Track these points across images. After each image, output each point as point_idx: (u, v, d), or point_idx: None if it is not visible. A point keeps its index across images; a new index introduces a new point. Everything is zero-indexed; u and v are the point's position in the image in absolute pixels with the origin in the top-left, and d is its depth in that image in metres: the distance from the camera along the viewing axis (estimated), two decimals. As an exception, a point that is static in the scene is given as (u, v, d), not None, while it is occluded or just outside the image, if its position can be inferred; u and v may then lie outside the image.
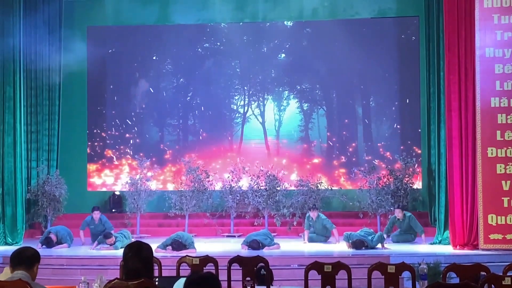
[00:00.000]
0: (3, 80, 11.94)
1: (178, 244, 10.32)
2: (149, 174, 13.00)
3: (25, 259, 4.32)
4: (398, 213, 11.33)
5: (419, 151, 13.28)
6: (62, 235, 11.06)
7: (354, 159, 13.77)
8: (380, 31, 13.92)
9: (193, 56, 14.29)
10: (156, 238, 11.40)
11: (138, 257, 4.13)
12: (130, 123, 14.29)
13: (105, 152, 14.20)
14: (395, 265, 5.81)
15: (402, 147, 13.51)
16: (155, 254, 7.74)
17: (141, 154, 13.70)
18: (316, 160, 13.91)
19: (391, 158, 13.42)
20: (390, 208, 11.80)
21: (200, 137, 14.22)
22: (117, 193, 13.66)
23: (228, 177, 12.71)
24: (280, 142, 14.06)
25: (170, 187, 13.61)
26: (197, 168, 12.65)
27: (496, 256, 9.53)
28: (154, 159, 13.87)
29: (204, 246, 10.85)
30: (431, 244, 10.97)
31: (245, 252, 10.12)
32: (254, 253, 9.41)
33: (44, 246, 10.87)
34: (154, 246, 10.04)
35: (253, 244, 10.46)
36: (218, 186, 12.84)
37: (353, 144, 13.91)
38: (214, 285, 3.46)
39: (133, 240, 10.37)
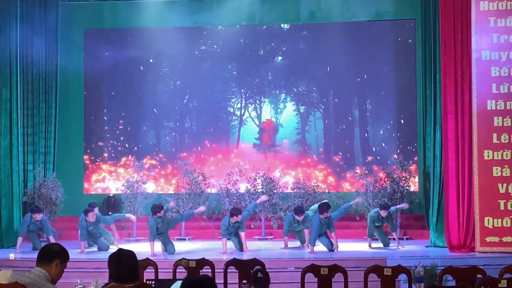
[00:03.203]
0: (0, 82, 11.93)
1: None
2: (146, 176, 12.97)
3: (45, 254, 4.22)
4: (383, 213, 11.00)
5: (416, 154, 13.28)
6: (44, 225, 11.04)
7: (350, 162, 13.77)
8: (376, 33, 13.92)
9: (190, 58, 14.27)
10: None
11: (120, 265, 4.13)
12: (126, 125, 14.27)
13: (102, 155, 14.17)
14: (392, 268, 5.82)
15: (398, 150, 13.53)
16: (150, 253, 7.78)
17: (138, 157, 13.69)
18: (312, 163, 13.91)
19: (387, 160, 13.41)
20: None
21: (197, 140, 14.20)
22: (112, 195, 13.59)
23: (225, 179, 12.70)
24: (276, 145, 14.05)
25: (167, 189, 13.59)
26: (193, 171, 12.65)
27: (493, 259, 9.51)
28: (150, 161, 13.86)
29: (200, 246, 10.85)
30: (428, 246, 11.00)
31: (242, 254, 10.11)
32: (251, 255, 9.41)
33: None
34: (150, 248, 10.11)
35: (234, 211, 10.64)
36: (214, 189, 12.83)
37: (350, 147, 13.91)
38: (210, 288, 3.46)
39: (115, 246, 10.51)
